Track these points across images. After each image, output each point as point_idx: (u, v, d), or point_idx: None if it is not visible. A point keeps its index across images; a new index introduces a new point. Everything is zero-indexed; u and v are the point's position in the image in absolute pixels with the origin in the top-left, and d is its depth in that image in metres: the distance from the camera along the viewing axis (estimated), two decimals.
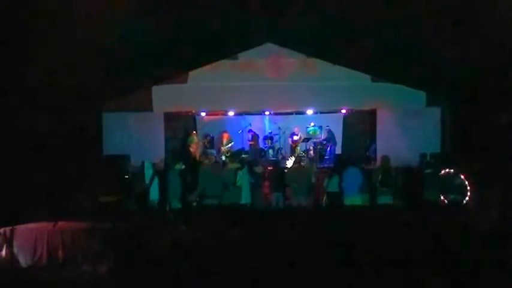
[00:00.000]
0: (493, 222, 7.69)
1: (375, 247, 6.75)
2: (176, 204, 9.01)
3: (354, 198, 8.94)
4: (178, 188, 9.07)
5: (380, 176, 9.38)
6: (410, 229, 7.19)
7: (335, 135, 13.37)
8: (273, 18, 9.50)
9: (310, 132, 13.48)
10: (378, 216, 8.01)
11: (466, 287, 6.00)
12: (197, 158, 12.26)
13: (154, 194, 9.12)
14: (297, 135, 13.52)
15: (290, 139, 13.62)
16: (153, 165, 9.51)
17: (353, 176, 9.05)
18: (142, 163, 9.62)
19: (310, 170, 10.46)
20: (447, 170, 9.82)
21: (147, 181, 9.18)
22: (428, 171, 9.59)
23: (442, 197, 9.68)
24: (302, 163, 10.41)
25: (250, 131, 13.59)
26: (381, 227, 7.22)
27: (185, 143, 12.98)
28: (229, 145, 13.29)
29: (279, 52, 11.67)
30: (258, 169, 10.47)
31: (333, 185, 9.28)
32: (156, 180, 9.16)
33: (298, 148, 13.44)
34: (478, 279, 6.00)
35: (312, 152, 13.25)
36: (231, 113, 13.41)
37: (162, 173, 9.29)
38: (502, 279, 6.01)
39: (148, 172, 9.31)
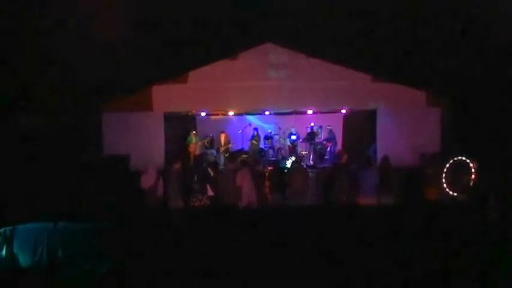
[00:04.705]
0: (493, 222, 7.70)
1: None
2: None
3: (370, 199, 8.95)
4: None
5: (379, 176, 9.38)
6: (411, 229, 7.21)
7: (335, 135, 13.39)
8: (273, 18, 9.50)
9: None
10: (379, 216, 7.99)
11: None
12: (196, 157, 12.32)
13: None
14: (295, 135, 13.54)
15: (288, 139, 13.64)
16: None
17: (370, 176, 9.06)
18: None
19: None
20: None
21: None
22: (429, 171, 9.54)
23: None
24: (302, 163, 10.38)
25: (255, 129, 13.61)
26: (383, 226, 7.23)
27: (184, 142, 13.01)
28: (229, 145, 13.31)
29: (279, 52, 11.66)
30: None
31: None
32: None
33: (298, 148, 13.45)
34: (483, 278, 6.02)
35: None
36: (231, 113, 13.42)
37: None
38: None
39: None
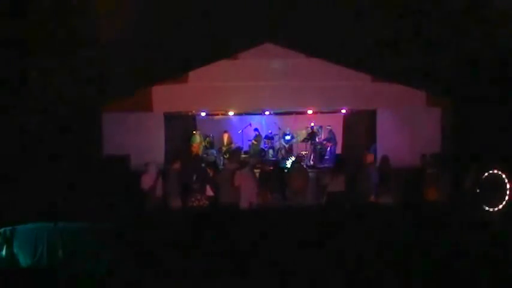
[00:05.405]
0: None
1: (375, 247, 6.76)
2: None
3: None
4: None
5: (379, 176, 9.38)
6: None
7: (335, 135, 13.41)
8: (274, 17, 9.49)
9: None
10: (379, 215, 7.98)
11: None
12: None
13: None
14: (289, 135, 13.55)
15: (282, 140, 13.65)
16: None
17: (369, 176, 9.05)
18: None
19: None
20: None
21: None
22: (429, 171, 9.53)
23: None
24: (302, 163, 10.37)
25: (255, 129, 13.63)
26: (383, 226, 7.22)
27: (188, 142, 13.01)
28: (231, 145, 13.33)
29: (279, 52, 11.67)
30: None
31: (335, 185, 9.26)
32: None
33: (293, 148, 13.47)
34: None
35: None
36: (231, 113, 13.42)
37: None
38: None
39: None
